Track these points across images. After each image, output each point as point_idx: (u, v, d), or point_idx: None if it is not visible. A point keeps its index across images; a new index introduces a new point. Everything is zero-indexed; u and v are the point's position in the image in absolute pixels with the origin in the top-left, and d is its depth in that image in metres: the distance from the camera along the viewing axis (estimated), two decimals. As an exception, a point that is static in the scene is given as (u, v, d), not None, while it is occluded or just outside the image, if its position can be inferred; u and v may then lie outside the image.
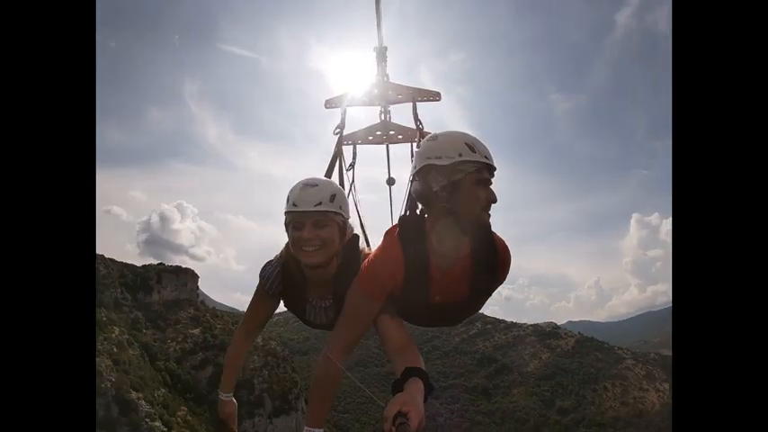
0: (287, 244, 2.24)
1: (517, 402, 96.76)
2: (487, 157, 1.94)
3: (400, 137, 4.30)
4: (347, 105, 3.94)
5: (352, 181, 3.66)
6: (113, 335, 40.64)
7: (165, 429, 32.75)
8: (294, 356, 63.13)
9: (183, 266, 61.90)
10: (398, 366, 1.84)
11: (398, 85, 4.09)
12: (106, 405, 32.19)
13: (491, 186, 1.97)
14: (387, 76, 4.02)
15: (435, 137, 2.03)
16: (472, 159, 1.89)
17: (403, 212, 2.97)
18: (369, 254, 2.21)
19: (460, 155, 1.90)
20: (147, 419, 32.30)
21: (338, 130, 3.81)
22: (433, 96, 4.11)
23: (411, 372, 1.75)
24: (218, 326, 54.22)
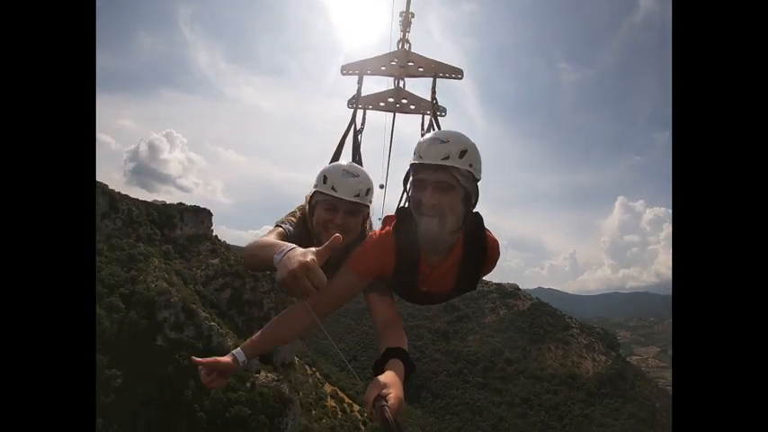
0: (302, 213, 2.41)
1: (471, 347, 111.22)
2: (422, 155, 1.97)
3: (413, 107, 4.21)
4: (365, 74, 3.85)
5: (359, 145, 3.60)
6: (155, 265, 52.74)
7: (219, 327, 46.81)
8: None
9: (201, 206, 73.62)
10: (381, 345, 1.93)
11: (421, 56, 3.91)
12: (176, 314, 44.84)
13: (432, 188, 1.95)
14: (409, 44, 3.84)
15: None
16: (412, 162, 2.03)
17: (401, 204, 3.20)
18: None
19: (411, 161, 2.05)
20: (206, 321, 45.83)
21: (354, 100, 3.83)
22: (456, 74, 3.95)
23: (391, 353, 1.83)
24: (232, 257, 66.79)
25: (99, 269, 45.16)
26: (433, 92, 3.85)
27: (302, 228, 2.34)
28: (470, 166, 1.97)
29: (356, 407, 67.61)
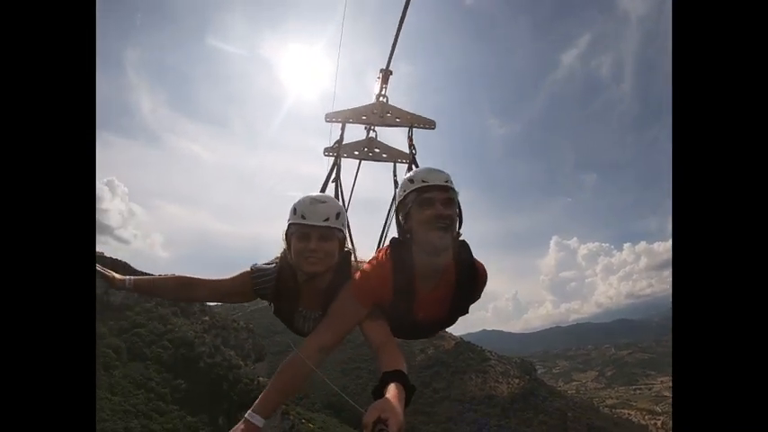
0: (284, 253, 2.70)
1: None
2: (425, 180, 2.48)
3: (385, 156, 5.00)
4: (348, 122, 4.65)
5: (340, 194, 4.27)
6: (177, 322, 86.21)
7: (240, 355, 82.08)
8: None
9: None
10: (379, 368, 2.12)
11: (397, 108, 4.69)
12: (211, 346, 79.83)
13: (440, 204, 2.42)
14: (386, 97, 4.66)
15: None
16: (413, 189, 2.48)
17: (383, 232, 4.04)
18: (359, 265, 2.66)
19: (405, 190, 2.52)
20: (232, 351, 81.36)
21: (331, 147, 4.72)
22: (429, 124, 4.69)
23: (390, 376, 2.00)
24: (216, 315, 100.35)
25: (143, 325, 78.25)
26: (411, 140, 4.47)
27: (284, 264, 2.71)
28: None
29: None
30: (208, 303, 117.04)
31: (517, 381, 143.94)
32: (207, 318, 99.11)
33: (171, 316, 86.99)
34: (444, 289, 2.58)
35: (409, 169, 4.01)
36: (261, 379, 78.80)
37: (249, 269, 2.78)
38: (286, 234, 2.63)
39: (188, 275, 2.90)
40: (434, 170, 2.54)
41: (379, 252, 2.66)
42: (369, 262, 2.67)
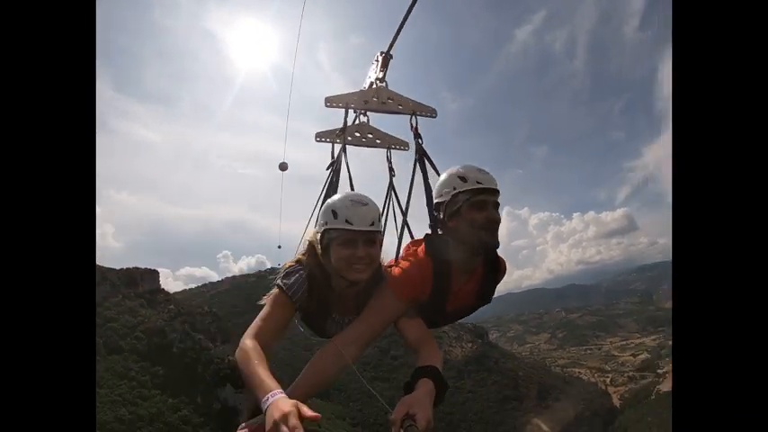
0: (310, 258, 2.57)
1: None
2: (480, 182, 2.47)
3: (378, 141, 4.86)
4: (349, 107, 4.53)
5: (336, 180, 4.04)
6: (145, 313, 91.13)
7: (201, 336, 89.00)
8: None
9: (151, 268, 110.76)
10: (416, 364, 2.16)
11: (398, 94, 4.64)
12: (182, 333, 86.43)
13: (492, 207, 2.46)
14: (386, 83, 4.60)
15: (440, 176, 2.67)
16: (465, 189, 2.47)
17: (384, 225, 3.55)
18: (390, 264, 2.65)
19: (455, 188, 2.51)
20: (198, 335, 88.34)
21: (324, 133, 4.58)
22: (431, 112, 4.63)
23: (422, 372, 2.01)
24: (179, 297, 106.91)
25: (114, 319, 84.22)
26: (416, 129, 4.23)
27: (314, 270, 2.52)
28: None
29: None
30: (169, 291, 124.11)
31: (470, 345, 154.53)
32: (172, 306, 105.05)
33: (139, 308, 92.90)
34: (473, 282, 2.69)
35: (420, 160, 3.83)
36: (230, 358, 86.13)
37: (280, 289, 2.46)
38: (321, 239, 2.46)
39: (253, 342, 2.22)
40: (485, 171, 2.58)
41: (415, 248, 2.73)
42: (404, 257, 2.73)
